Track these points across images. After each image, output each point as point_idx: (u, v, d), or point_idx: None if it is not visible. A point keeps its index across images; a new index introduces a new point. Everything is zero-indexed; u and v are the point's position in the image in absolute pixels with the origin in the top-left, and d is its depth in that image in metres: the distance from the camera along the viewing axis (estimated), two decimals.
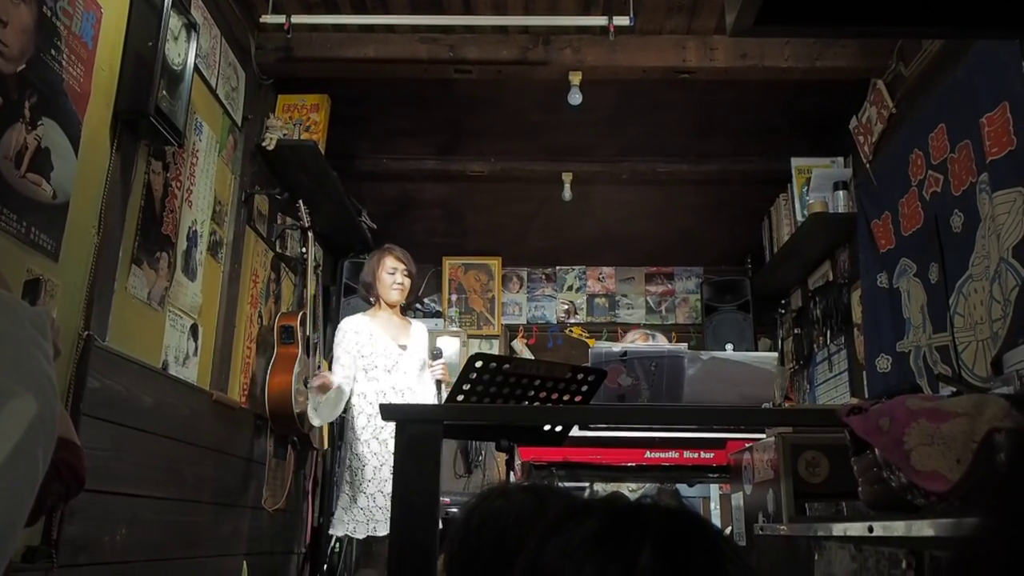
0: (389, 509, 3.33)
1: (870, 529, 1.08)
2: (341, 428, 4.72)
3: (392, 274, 3.68)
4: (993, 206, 2.77)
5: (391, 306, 3.71)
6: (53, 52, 2.27)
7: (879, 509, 1.20)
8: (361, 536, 3.42)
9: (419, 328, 3.78)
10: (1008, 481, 0.46)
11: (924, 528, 0.94)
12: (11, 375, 0.83)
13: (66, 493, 1.24)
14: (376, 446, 3.47)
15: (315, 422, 3.83)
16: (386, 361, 3.58)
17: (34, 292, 2.16)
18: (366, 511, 3.40)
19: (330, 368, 3.76)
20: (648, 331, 3.97)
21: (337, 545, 4.28)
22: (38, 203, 2.20)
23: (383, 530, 3.34)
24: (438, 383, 3.43)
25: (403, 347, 3.63)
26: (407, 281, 3.71)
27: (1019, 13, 1.41)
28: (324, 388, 3.59)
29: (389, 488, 3.37)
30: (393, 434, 3.52)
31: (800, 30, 2.53)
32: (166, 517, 2.92)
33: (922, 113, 3.40)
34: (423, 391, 3.54)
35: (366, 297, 3.81)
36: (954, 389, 1.30)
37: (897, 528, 1.01)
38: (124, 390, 2.61)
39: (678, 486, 3.86)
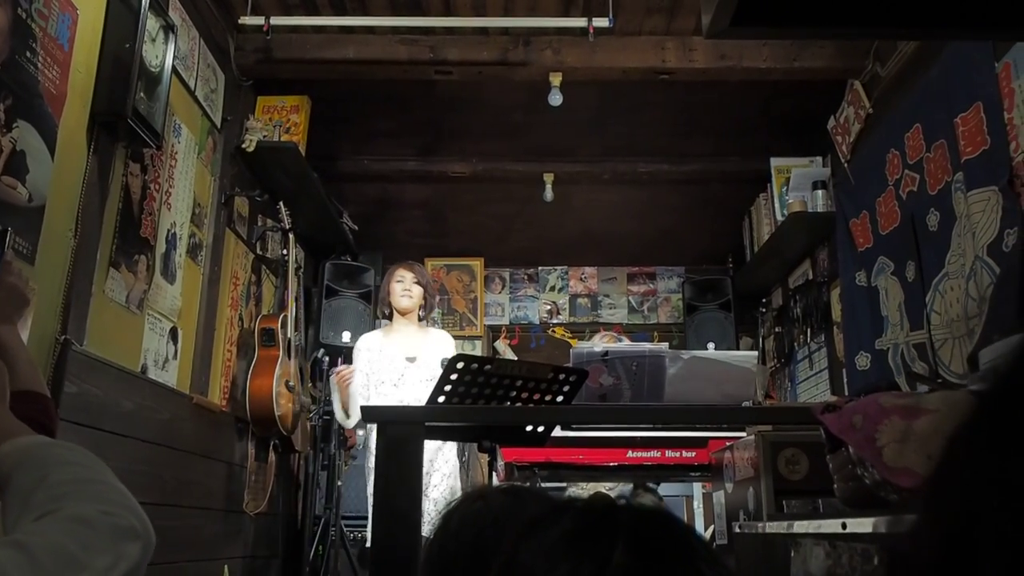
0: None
1: (843, 526, 1.09)
2: (325, 432, 4.71)
3: (400, 282, 3.67)
4: (968, 205, 2.80)
5: (403, 314, 3.69)
6: (28, 54, 2.25)
7: (854, 506, 1.21)
8: None
9: (439, 337, 3.72)
10: (938, 475, 0.46)
11: (894, 524, 0.95)
12: (134, 517, 0.88)
13: None
14: None
15: (348, 424, 3.75)
16: (392, 375, 3.56)
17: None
18: None
19: None
20: (614, 334, 4.00)
21: (320, 548, 4.27)
22: (13, 206, 2.18)
23: None
24: None
25: (411, 359, 3.58)
26: (416, 288, 3.67)
27: (992, 15, 1.43)
28: (343, 380, 3.58)
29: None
30: None
31: (775, 32, 2.55)
32: None
33: (898, 113, 3.43)
34: None
35: (384, 313, 3.82)
36: (928, 388, 1.32)
37: (868, 524, 1.02)
38: (102, 394, 2.60)
39: (659, 485, 3.87)
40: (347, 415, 3.66)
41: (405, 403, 3.47)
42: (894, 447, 1.02)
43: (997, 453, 0.42)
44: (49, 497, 0.85)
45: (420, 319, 3.75)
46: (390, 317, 3.76)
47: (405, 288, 3.67)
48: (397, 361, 3.58)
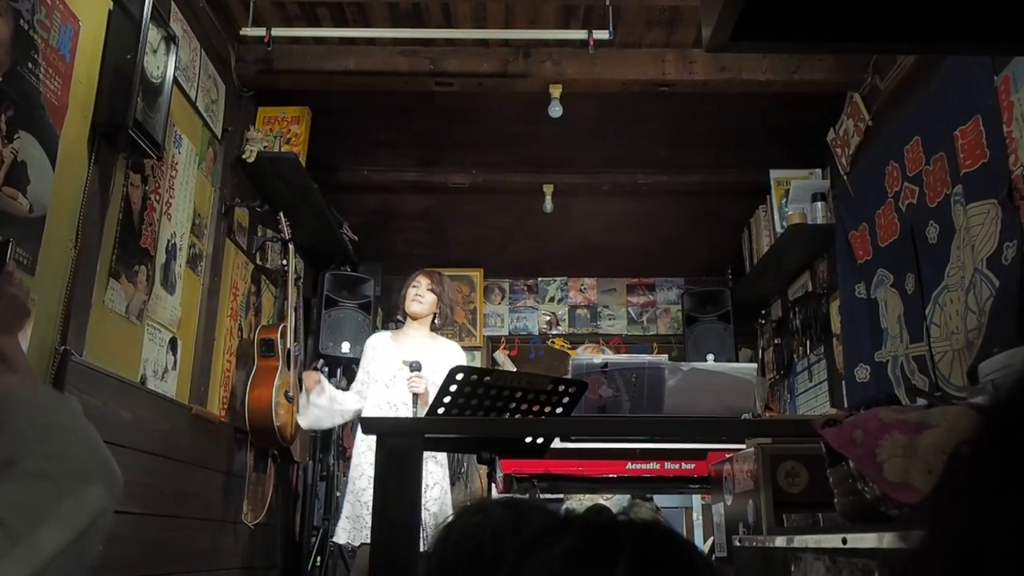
0: None
1: (844, 541, 1.09)
2: (324, 442, 4.70)
3: (415, 287, 3.68)
4: (967, 217, 2.81)
5: (414, 319, 3.68)
6: (30, 65, 2.26)
7: (854, 520, 1.21)
8: (357, 543, 3.41)
9: (447, 347, 3.70)
10: (944, 494, 0.46)
11: (896, 540, 0.95)
12: (92, 460, 0.88)
13: None
14: (370, 456, 3.44)
15: (301, 422, 3.72)
16: (384, 376, 3.56)
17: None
18: (362, 519, 3.39)
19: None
20: (595, 344, 3.99)
21: (318, 559, 4.26)
22: (14, 217, 2.19)
23: None
24: (414, 396, 3.41)
25: (407, 363, 3.57)
26: (429, 296, 3.66)
27: (991, 29, 1.43)
28: (309, 386, 3.56)
29: None
30: None
31: (776, 46, 2.56)
32: (144, 533, 2.89)
33: (898, 126, 3.44)
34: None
35: (400, 315, 3.84)
36: (926, 402, 1.32)
37: (869, 540, 1.02)
38: (102, 405, 2.59)
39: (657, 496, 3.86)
40: (302, 413, 3.64)
41: (392, 403, 3.49)
42: (895, 462, 1.02)
43: (1004, 474, 0.42)
44: (9, 443, 0.85)
45: (435, 328, 3.74)
46: (403, 320, 3.78)
47: (418, 293, 3.67)
48: (392, 362, 3.57)
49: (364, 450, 3.48)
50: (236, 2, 3.60)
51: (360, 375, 3.67)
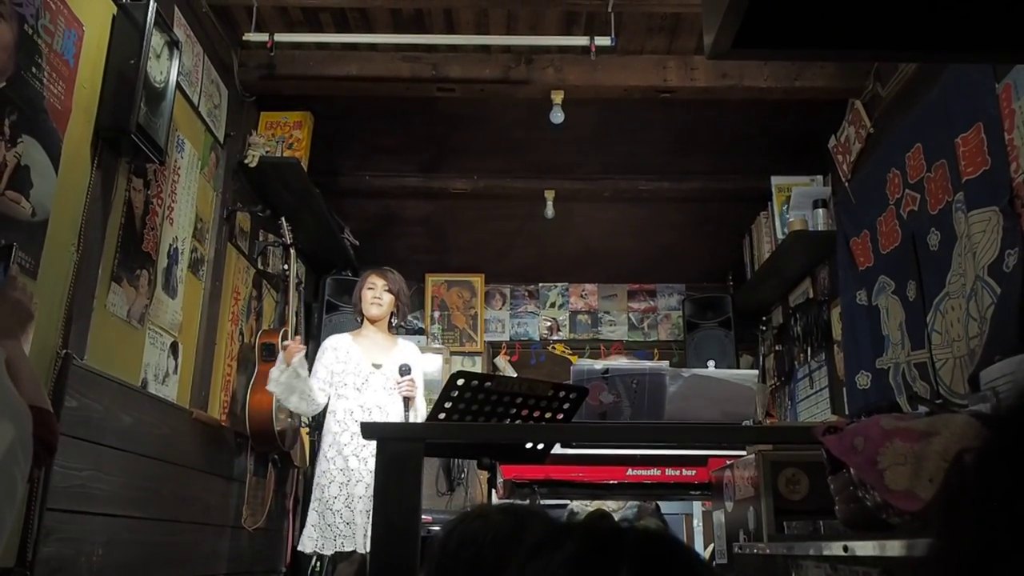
0: (356, 525, 3.34)
1: (845, 548, 1.09)
2: None
3: (372, 289, 3.67)
4: (969, 225, 2.81)
5: (373, 322, 3.68)
6: (34, 70, 2.26)
7: (855, 528, 1.21)
8: (329, 552, 3.39)
9: (406, 347, 3.72)
10: (951, 502, 0.46)
11: (897, 547, 0.95)
12: None
13: (36, 461, 1.26)
14: (341, 462, 3.44)
15: (269, 386, 3.50)
16: (356, 379, 3.55)
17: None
18: (333, 527, 3.37)
19: None
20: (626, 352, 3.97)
21: (318, 564, 4.25)
22: (17, 221, 2.19)
23: (349, 545, 3.32)
24: (405, 400, 3.40)
25: (377, 366, 3.57)
26: (387, 296, 3.66)
27: (992, 38, 1.43)
28: (289, 354, 3.41)
29: (356, 505, 3.36)
30: (356, 451, 3.49)
31: (777, 53, 2.56)
32: (144, 537, 2.89)
33: (899, 133, 3.44)
34: (395, 409, 3.47)
35: (356, 317, 3.82)
36: (927, 409, 1.32)
37: (870, 548, 1.02)
38: (103, 409, 2.59)
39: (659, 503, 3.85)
40: (274, 380, 3.45)
41: (365, 407, 3.49)
42: (896, 470, 1.02)
43: (1014, 481, 0.42)
44: None
45: (392, 327, 3.74)
46: (360, 323, 3.75)
47: (375, 296, 3.66)
48: (363, 366, 3.57)
49: (334, 455, 3.46)
50: (239, 8, 3.61)
51: (321, 373, 3.57)
